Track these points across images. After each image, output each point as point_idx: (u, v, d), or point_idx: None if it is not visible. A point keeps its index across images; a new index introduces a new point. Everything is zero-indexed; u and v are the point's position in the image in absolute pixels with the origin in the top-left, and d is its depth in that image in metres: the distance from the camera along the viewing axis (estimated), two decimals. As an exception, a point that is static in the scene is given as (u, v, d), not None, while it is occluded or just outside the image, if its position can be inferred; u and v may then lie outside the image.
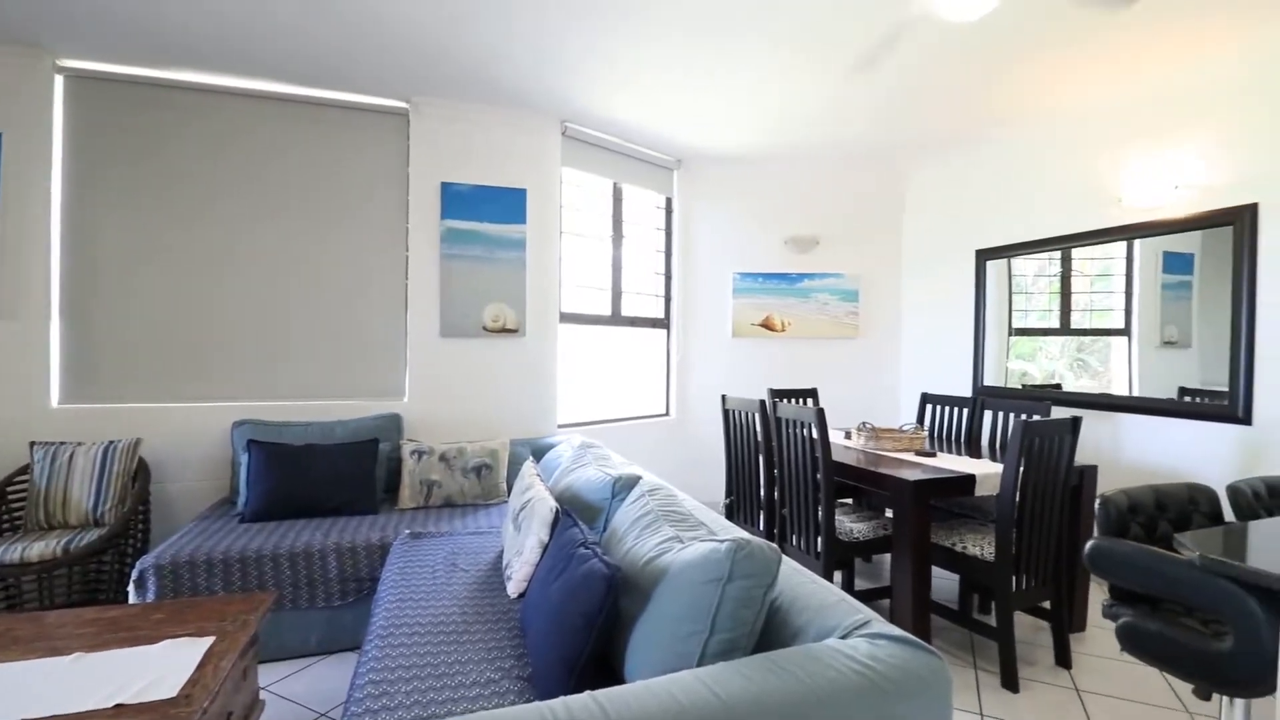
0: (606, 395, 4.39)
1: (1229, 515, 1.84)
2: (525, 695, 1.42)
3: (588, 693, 1.01)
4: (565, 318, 4.03)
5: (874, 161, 4.62)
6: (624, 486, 2.02)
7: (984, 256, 4.14)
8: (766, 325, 4.67)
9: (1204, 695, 1.65)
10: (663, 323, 4.64)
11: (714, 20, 2.68)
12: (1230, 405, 2.89)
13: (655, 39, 2.85)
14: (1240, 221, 2.85)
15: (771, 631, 1.30)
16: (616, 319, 4.35)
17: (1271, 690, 1.23)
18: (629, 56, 3.02)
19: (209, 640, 1.68)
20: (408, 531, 2.55)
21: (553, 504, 1.97)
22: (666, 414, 4.64)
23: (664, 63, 3.09)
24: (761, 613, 1.25)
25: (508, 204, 3.69)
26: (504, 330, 3.69)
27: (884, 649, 1.12)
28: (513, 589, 1.90)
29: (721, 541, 1.29)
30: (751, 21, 2.68)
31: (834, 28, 2.72)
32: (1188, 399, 3.10)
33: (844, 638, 1.18)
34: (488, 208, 3.66)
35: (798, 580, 1.40)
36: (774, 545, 1.28)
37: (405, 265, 3.56)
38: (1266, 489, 1.97)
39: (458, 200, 3.59)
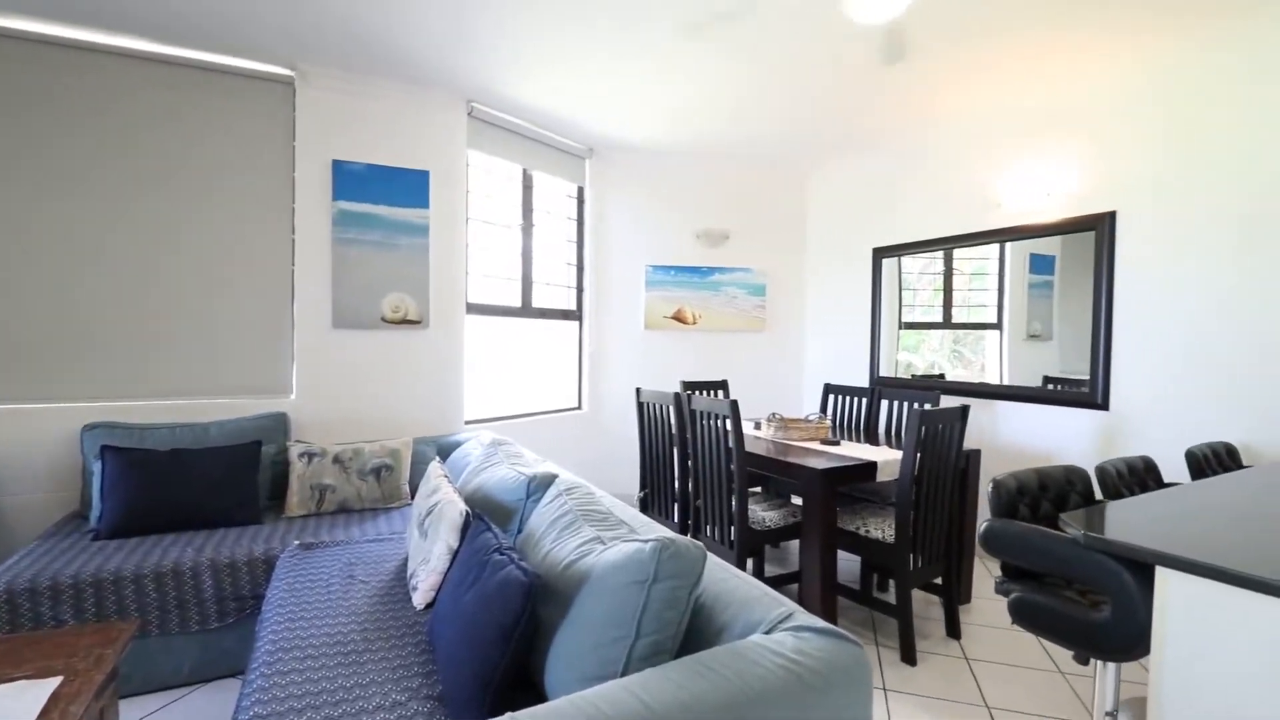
0: (517, 390, 4.24)
1: (1099, 493, 2.03)
2: (435, 717, 1.31)
3: (508, 716, 0.93)
4: (473, 309, 3.85)
5: (781, 160, 4.75)
6: (539, 486, 1.94)
7: (880, 255, 4.37)
8: (679, 318, 4.69)
9: (1083, 661, 1.80)
10: (575, 315, 4.55)
11: (624, 8, 2.62)
12: (1091, 393, 3.21)
13: (567, 21, 2.75)
14: (1101, 227, 3.17)
15: (696, 630, 1.28)
16: (527, 310, 4.21)
17: (1143, 654, 1.35)
18: (539, 39, 2.90)
19: (55, 681, 1.44)
20: (297, 542, 2.33)
21: (462, 507, 1.85)
22: (578, 408, 4.57)
23: (575, 49, 2.99)
24: (687, 612, 1.22)
25: (408, 186, 3.46)
26: (406, 321, 3.47)
27: (809, 642, 1.12)
28: (419, 600, 1.77)
29: (646, 541, 1.25)
30: (664, 9, 2.64)
31: (741, 23, 2.74)
32: (1051, 386, 3.42)
33: (768, 632, 1.17)
34: (386, 189, 3.41)
35: (720, 576, 1.38)
36: (698, 543, 1.25)
37: (292, 249, 3.25)
38: (1127, 468, 2.19)
39: (352, 180, 3.32)
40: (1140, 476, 2.23)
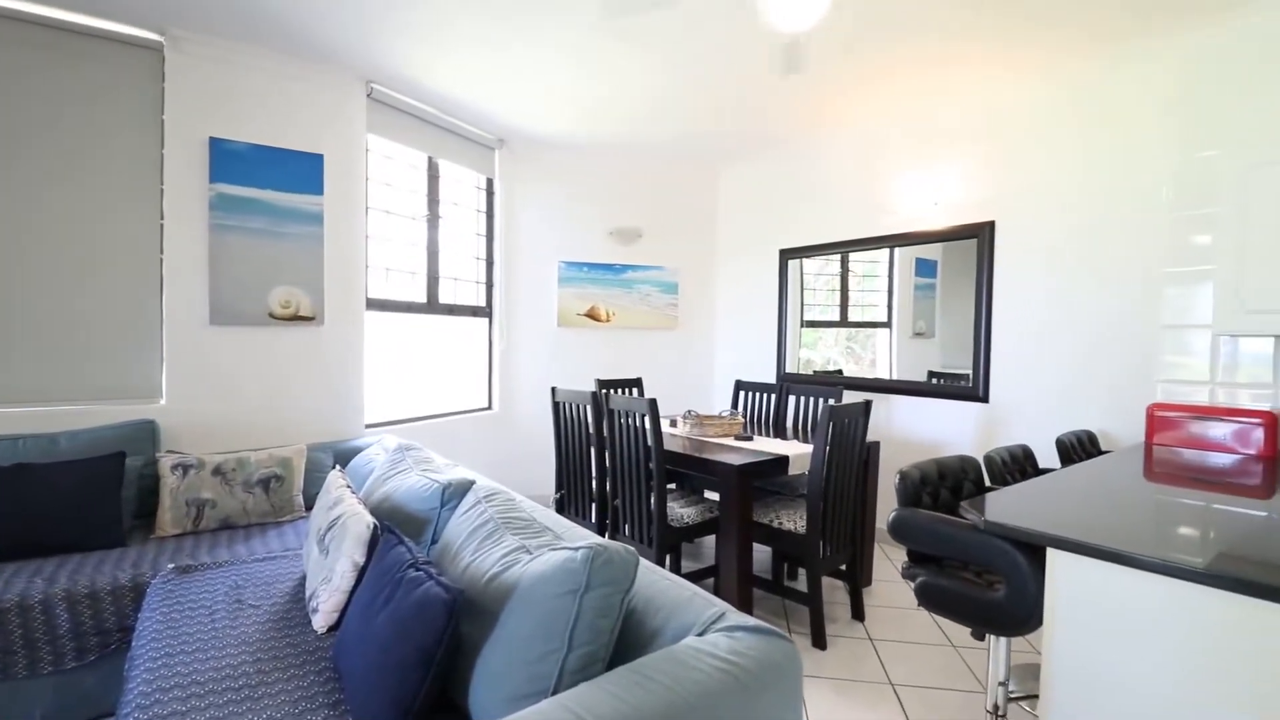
0: (423, 390, 4.04)
1: (988, 480, 2.19)
2: (346, 751, 1.20)
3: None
4: (373, 304, 3.62)
5: (693, 159, 4.82)
6: (455, 493, 1.84)
7: (786, 255, 4.54)
8: (592, 315, 4.65)
9: (979, 636, 1.94)
10: (484, 311, 4.39)
11: (543, -7, 2.54)
12: (974, 387, 3.50)
13: (478, 3, 2.62)
14: (982, 235, 3.45)
15: (628, 635, 1.25)
16: (434, 307, 4.01)
17: (1034, 629, 1.47)
18: (447, 21, 2.76)
19: None
20: (171, 566, 2.08)
21: (369, 519, 1.72)
22: (489, 408, 4.42)
23: (487, 35, 2.87)
24: (619, 620, 1.19)
25: (300, 170, 3.19)
26: (297, 318, 3.19)
27: (742, 642, 1.12)
28: (320, 623, 1.63)
29: (575, 549, 1.21)
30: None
31: (661, 17, 2.73)
32: (935, 381, 3.70)
33: (702, 634, 1.16)
34: (273, 173, 3.12)
35: (650, 579, 1.36)
36: (629, 548, 1.22)
37: (160, 236, 2.90)
38: (1010, 456, 2.39)
39: (232, 161, 3.01)
40: (1021, 463, 2.43)
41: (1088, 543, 1.32)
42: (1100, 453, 2.87)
